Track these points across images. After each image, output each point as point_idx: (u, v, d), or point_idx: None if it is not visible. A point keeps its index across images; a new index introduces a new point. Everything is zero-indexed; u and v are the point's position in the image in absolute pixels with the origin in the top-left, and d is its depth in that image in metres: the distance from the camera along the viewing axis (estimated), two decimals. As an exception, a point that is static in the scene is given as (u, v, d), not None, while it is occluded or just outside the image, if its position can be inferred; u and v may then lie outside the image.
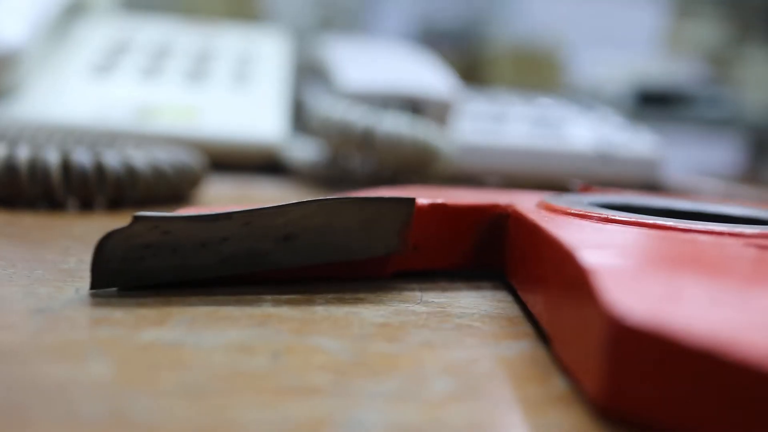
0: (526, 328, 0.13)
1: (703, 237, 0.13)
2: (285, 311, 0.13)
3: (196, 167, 0.26)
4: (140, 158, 0.24)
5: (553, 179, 0.40)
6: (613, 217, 0.14)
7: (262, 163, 0.37)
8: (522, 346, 0.12)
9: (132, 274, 0.14)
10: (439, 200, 0.16)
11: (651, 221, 0.14)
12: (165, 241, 0.14)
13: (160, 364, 0.10)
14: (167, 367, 0.10)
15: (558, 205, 0.16)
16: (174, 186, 0.25)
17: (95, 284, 0.14)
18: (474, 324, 0.13)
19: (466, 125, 0.40)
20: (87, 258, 0.16)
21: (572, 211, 0.15)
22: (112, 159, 0.23)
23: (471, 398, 0.10)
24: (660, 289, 0.10)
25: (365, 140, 0.31)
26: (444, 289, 0.16)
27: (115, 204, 0.24)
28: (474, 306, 0.15)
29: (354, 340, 0.12)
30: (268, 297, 0.14)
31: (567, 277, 0.12)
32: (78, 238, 0.18)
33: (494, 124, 0.41)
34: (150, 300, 0.13)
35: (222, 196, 0.29)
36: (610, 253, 0.12)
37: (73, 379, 0.10)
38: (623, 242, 0.13)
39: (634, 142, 0.41)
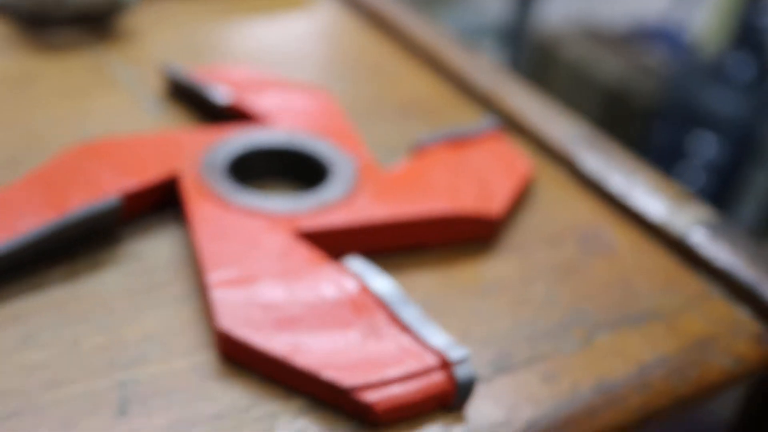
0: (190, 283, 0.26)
1: (273, 226, 0.26)
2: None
3: None
4: None
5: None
6: (240, 207, 0.26)
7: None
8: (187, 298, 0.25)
9: None
10: (132, 186, 0.27)
11: (261, 209, 0.26)
12: None
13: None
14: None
15: (209, 187, 0.27)
16: None
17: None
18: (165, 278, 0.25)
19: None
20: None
21: (216, 196, 0.27)
22: None
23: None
24: (250, 308, 0.23)
25: (59, 5, 0.37)
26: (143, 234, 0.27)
27: None
28: (165, 256, 0.26)
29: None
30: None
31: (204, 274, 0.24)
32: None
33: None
34: None
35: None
36: (231, 273, 0.24)
37: None
38: (241, 255, 0.25)
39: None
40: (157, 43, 0.41)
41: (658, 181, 0.33)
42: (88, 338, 0.23)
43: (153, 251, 0.27)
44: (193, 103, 0.35)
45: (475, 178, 0.30)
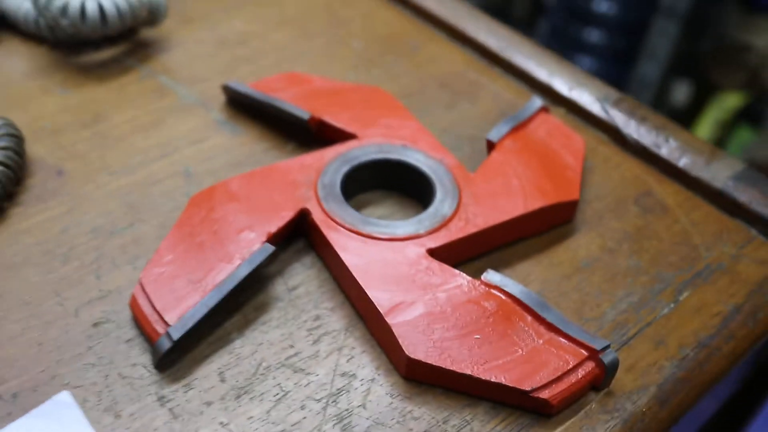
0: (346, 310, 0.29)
1: (407, 249, 0.29)
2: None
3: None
4: None
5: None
6: (374, 235, 0.29)
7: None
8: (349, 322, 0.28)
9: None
10: (273, 228, 0.29)
11: (392, 235, 0.30)
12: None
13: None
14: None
15: (339, 219, 0.30)
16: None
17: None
18: (321, 314, 0.29)
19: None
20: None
21: (349, 227, 0.30)
22: None
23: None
24: (426, 333, 0.27)
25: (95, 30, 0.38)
26: (287, 264, 0.30)
27: None
28: (315, 287, 0.30)
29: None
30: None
31: (371, 308, 0.27)
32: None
33: None
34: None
35: None
36: (393, 299, 0.27)
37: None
38: (393, 280, 0.28)
39: None
40: (190, 49, 0.41)
41: (687, 136, 0.38)
42: (289, 382, 0.26)
43: (304, 286, 0.30)
44: (262, 114, 0.37)
45: (549, 165, 0.34)
